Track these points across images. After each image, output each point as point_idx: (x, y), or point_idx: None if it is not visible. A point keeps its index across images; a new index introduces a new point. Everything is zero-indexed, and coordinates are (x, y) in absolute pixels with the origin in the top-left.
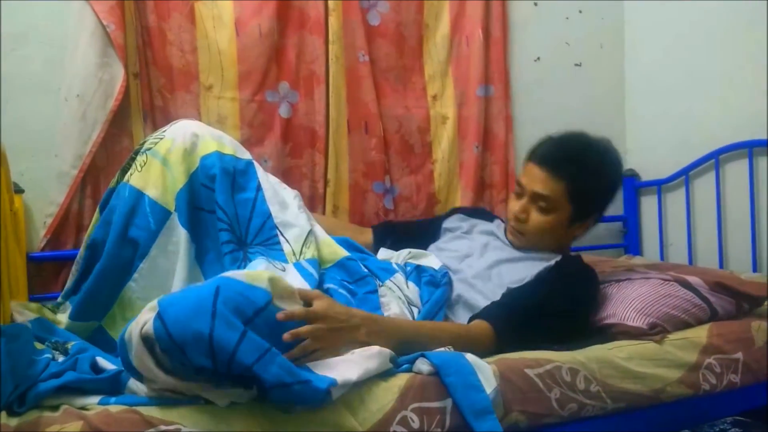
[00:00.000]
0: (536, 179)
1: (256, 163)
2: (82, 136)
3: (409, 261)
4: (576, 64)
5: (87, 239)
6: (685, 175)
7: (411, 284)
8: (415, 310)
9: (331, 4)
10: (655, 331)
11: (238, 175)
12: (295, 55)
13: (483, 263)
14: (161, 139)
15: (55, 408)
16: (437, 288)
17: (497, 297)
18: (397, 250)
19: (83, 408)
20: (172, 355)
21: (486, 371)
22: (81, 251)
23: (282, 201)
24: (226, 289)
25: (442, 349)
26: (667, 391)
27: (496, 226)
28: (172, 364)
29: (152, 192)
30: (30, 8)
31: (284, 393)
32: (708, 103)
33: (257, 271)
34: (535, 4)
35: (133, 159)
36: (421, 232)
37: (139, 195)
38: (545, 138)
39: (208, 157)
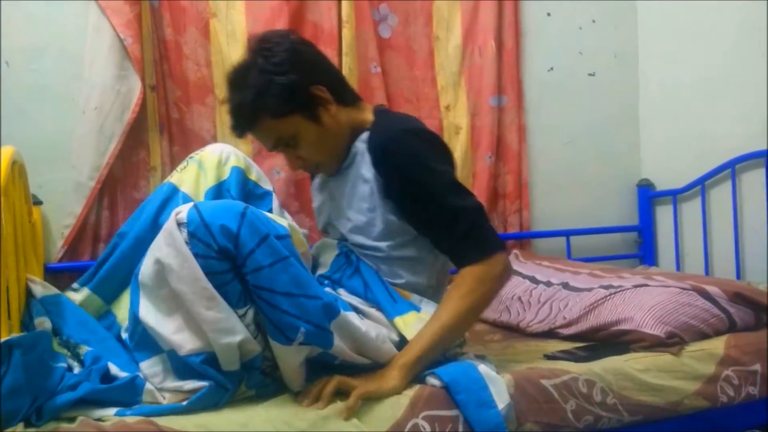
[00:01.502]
0: (258, 137)
1: (274, 195)
2: (100, 148)
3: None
4: (589, 74)
5: (117, 232)
6: (701, 185)
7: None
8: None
9: (344, 16)
10: (673, 341)
11: (252, 197)
12: None
13: (335, 211)
14: (203, 151)
15: (72, 420)
16: (351, 266)
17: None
18: None
19: (100, 419)
20: (200, 235)
21: (499, 385)
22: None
23: None
24: (255, 210)
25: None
26: (685, 404)
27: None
28: (195, 249)
29: (186, 188)
30: (48, 22)
31: (291, 304)
32: (723, 113)
33: (279, 217)
34: (548, 14)
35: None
36: None
37: (175, 190)
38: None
39: (235, 169)
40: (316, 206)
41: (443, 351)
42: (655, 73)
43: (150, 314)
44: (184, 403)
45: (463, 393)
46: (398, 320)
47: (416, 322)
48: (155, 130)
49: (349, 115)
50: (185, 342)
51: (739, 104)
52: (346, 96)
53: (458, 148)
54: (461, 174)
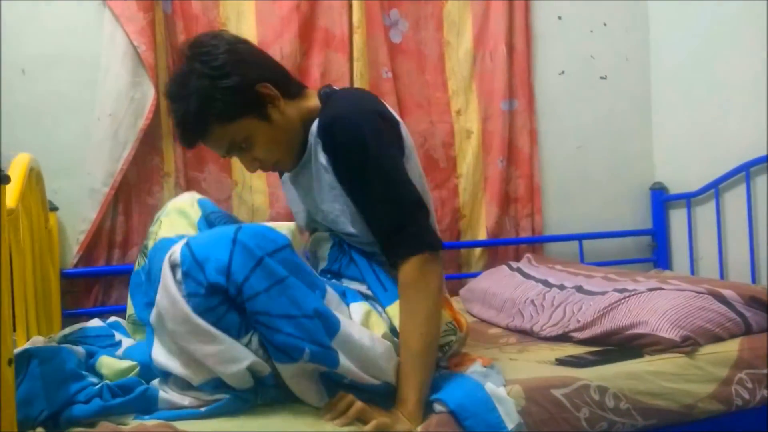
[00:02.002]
0: (209, 146)
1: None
2: (114, 154)
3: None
4: (601, 77)
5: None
6: (715, 188)
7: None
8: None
9: (355, 21)
10: (688, 344)
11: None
12: (320, 74)
13: (311, 205)
14: (163, 211)
15: (92, 425)
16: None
17: (334, 213)
18: None
19: (120, 424)
20: (193, 273)
21: (508, 405)
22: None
23: None
24: (248, 228)
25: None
26: (699, 407)
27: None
28: (188, 289)
29: (180, 231)
30: (64, 31)
31: (292, 326)
32: (737, 115)
33: (278, 223)
34: (559, 18)
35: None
36: None
37: (172, 239)
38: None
39: (202, 200)
40: (291, 201)
41: (434, 363)
42: (667, 75)
43: (161, 354)
44: (203, 409)
45: (471, 418)
46: (389, 309)
47: None
48: (168, 136)
49: (298, 107)
50: (194, 375)
51: (752, 107)
52: (291, 88)
53: (470, 152)
54: (473, 179)
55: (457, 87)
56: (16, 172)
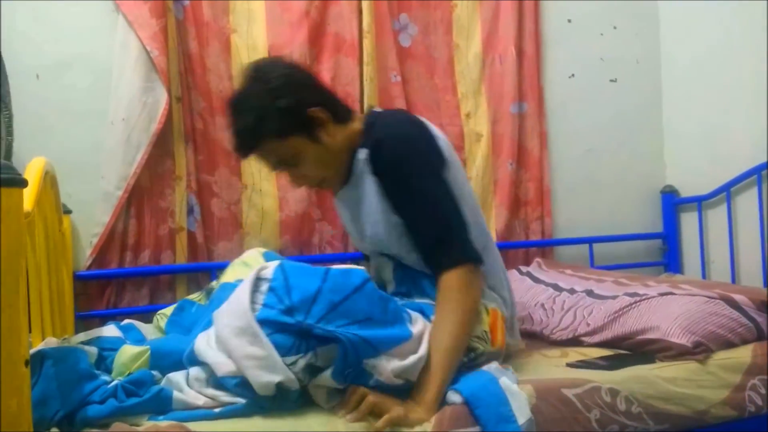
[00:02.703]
0: (261, 159)
1: None
2: (127, 158)
3: None
4: (611, 80)
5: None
6: (727, 192)
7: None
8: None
9: (365, 26)
10: (700, 349)
11: None
12: (330, 78)
13: (357, 230)
14: (231, 265)
15: (106, 426)
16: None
17: (381, 236)
18: None
19: (134, 425)
20: (280, 292)
21: (520, 400)
22: None
23: None
24: (333, 270)
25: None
26: (712, 413)
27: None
28: (269, 300)
29: (240, 277)
30: (77, 36)
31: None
32: (748, 118)
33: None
34: (569, 21)
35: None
36: None
37: (232, 284)
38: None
39: (267, 253)
40: (345, 224)
41: (458, 365)
42: (678, 78)
43: (203, 341)
44: (217, 410)
45: (482, 408)
46: None
47: None
48: (180, 140)
49: (345, 131)
50: (223, 365)
51: (764, 109)
52: (340, 113)
53: (479, 155)
54: (482, 182)
55: (466, 90)
56: (32, 175)
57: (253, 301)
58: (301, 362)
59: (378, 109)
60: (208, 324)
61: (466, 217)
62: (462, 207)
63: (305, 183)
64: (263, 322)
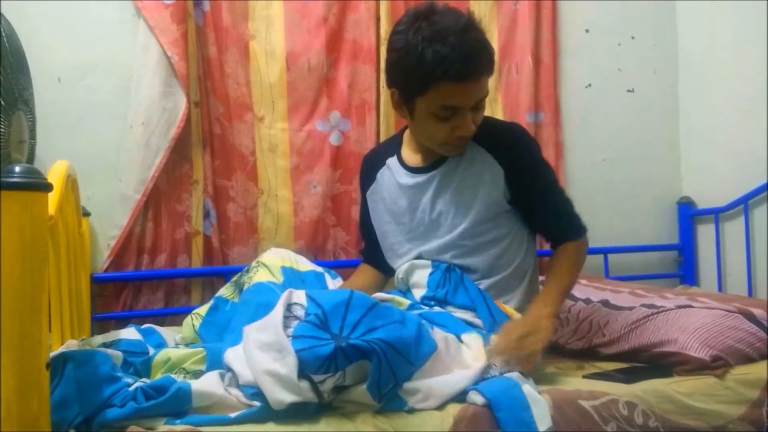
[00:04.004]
0: (473, 90)
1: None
2: (146, 162)
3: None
4: (629, 90)
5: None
6: (744, 204)
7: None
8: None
9: (383, 33)
10: (718, 364)
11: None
12: (347, 85)
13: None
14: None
15: (122, 429)
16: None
17: (460, 227)
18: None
19: (150, 428)
20: (311, 317)
21: (542, 407)
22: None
23: None
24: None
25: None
26: (730, 429)
27: (393, 166)
28: (305, 317)
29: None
30: (99, 41)
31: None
32: (765, 129)
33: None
34: (587, 31)
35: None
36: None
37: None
38: (433, 55)
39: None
40: (382, 218)
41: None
42: (695, 89)
43: (232, 350)
44: (233, 415)
45: (504, 411)
46: (494, 338)
47: None
48: (198, 145)
49: None
50: (245, 373)
51: None
52: None
53: None
54: None
55: None
56: (56, 179)
57: (286, 326)
58: (330, 381)
59: None
60: (238, 339)
61: None
62: None
63: (473, 132)
64: (296, 338)
